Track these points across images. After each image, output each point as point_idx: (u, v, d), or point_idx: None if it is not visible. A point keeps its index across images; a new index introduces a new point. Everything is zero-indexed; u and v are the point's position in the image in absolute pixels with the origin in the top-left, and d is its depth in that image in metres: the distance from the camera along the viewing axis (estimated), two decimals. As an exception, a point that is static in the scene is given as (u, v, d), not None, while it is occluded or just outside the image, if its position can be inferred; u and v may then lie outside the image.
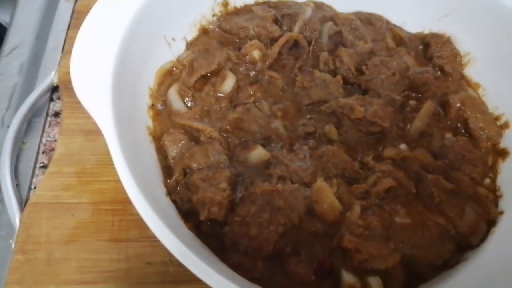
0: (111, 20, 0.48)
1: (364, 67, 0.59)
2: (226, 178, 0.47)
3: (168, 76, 0.57)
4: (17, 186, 0.55)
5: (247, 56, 0.58)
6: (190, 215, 0.48)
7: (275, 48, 0.59)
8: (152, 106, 0.55)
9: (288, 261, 0.45)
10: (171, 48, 0.59)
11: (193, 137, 0.53)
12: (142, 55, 0.53)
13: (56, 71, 0.62)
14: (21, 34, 0.71)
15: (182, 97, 0.55)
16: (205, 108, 0.55)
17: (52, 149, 0.59)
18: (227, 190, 0.47)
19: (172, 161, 0.51)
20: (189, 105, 0.55)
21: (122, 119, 0.45)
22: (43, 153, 0.59)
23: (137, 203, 0.39)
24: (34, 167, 0.58)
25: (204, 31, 0.62)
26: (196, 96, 0.55)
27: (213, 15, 0.63)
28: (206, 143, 0.51)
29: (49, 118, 0.62)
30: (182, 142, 0.51)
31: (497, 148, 0.56)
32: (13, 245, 0.50)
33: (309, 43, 0.61)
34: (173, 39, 0.59)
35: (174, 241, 0.38)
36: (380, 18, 0.66)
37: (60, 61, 0.64)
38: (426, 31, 0.65)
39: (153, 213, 0.38)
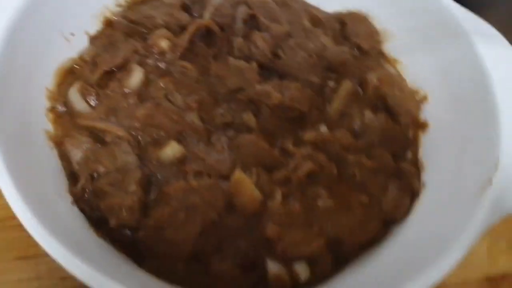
0: None
1: (280, 51, 0.57)
2: (136, 180, 0.44)
3: (69, 75, 0.52)
4: None
5: (155, 47, 0.54)
6: (101, 222, 0.44)
7: (185, 37, 0.55)
8: (52, 109, 0.50)
9: (210, 260, 0.42)
10: (70, 43, 0.54)
11: (99, 138, 0.48)
12: (32, 55, 0.48)
13: None
14: None
15: (85, 96, 0.50)
16: (111, 106, 0.50)
17: None
18: (138, 192, 0.43)
19: (76, 166, 0.46)
20: (93, 104, 0.50)
21: (8, 126, 0.40)
22: None
23: (27, 223, 0.35)
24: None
25: (108, 23, 0.57)
26: (100, 94, 0.51)
27: (117, 5, 0.59)
28: (112, 144, 0.47)
29: None
30: (86, 145, 0.47)
31: (417, 121, 0.56)
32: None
33: (222, 29, 0.58)
34: (72, 34, 0.54)
35: (70, 259, 0.34)
36: (296, 0, 0.64)
37: None
38: (344, 10, 0.64)
39: (45, 233, 0.35)
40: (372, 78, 0.56)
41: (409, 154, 0.54)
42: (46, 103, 0.49)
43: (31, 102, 0.47)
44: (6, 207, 0.46)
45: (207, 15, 0.58)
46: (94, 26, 0.56)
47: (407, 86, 0.59)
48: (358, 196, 0.47)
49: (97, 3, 0.56)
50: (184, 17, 0.57)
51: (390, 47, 0.62)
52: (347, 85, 0.55)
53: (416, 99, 0.57)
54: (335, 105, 0.54)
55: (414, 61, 0.59)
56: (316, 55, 0.57)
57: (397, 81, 0.58)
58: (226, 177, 0.46)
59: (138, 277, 0.40)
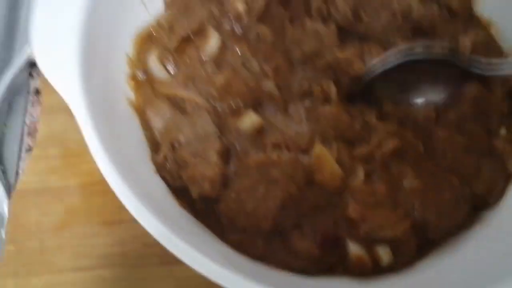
0: None
1: (362, 12, 0.52)
2: (216, 151, 0.44)
3: (148, 41, 0.52)
4: (3, 172, 0.53)
5: (231, 10, 0.52)
6: (183, 192, 0.44)
7: (261, 1, 0.52)
8: (133, 76, 0.50)
9: (290, 236, 0.42)
10: (147, 8, 0.53)
11: (179, 107, 0.48)
12: (113, 22, 0.48)
13: None
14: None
15: (164, 64, 0.50)
16: (189, 74, 0.49)
17: (37, 130, 0.55)
18: (219, 164, 0.43)
19: (158, 135, 0.47)
20: (171, 71, 0.50)
21: (95, 93, 0.41)
22: (28, 135, 0.56)
23: (115, 187, 0.36)
24: (20, 151, 0.55)
25: None
26: (179, 61, 0.50)
27: None
28: (193, 113, 0.47)
29: (30, 97, 0.58)
30: (167, 114, 0.47)
31: None
32: (3, 235, 0.48)
33: None
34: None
35: (157, 226, 0.35)
36: None
37: None
38: None
39: (133, 197, 0.35)
40: (465, 42, 0.51)
41: (503, 130, 0.49)
42: (127, 70, 0.49)
43: (114, 70, 0.47)
44: (91, 172, 0.48)
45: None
46: (170, -11, 0.54)
47: (503, 52, 0.53)
48: (448, 177, 0.44)
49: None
50: (260, -24, 0.54)
51: (483, 8, 0.55)
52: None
53: None
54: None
55: (509, 23, 0.53)
56: (402, 16, 0.52)
57: (492, 47, 0.52)
58: (306, 150, 0.45)
59: (220, 249, 0.41)
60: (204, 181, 0.42)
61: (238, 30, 0.52)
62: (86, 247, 0.47)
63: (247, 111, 0.47)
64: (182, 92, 0.48)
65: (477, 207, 0.45)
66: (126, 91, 0.48)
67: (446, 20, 0.54)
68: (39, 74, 0.58)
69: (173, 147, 0.46)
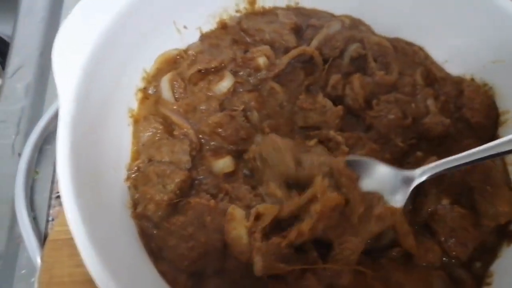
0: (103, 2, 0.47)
1: (374, 101, 0.53)
2: (178, 181, 0.46)
3: (169, 64, 0.56)
4: (34, 219, 0.54)
5: (252, 62, 0.54)
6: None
7: (284, 60, 0.55)
8: (143, 89, 0.54)
9: (207, 282, 0.43)
10: (181, 35, 0.57)
11: (169, 129, 0.51)
12: (140, 36, 0.52)
13: None
14: (24, 51, 0.69)
15: (173, 87, 0.53)
16: (192, 104, 0.52)
17: None
18: (172, 193, 0.45)
19: (141, 146, 0.50)
20: (177, 96, 0.53)
21: (90, 96, 0.44)
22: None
23: (64, 195, 0.38)
24: (50, 198, 0.57)
25: (222, 25, 0.59)
26: (188, 90, 0.53)
27: (237, 11, 0.60)
28: (177, 138, 0.50)
29: None
30: (156, 131, 0.50)
31: (505, 229, 0.47)
32: (36, 285, 0.49)
33: (326, 61, 0.56)
34: (185, 27, 0.57)
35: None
36: (418, 50, 0.58)
37: None
38: (468, 76, 0.56)
39: (75, 208, 0.37)
40: None
41: (478, 265, 0.46)
42: (140, 84, 0.53)
43: (126, 78, 0.51)
44: None
45: (315, 42, 0.56)
46: (208, 25, 0.59)
47: (509, 185, 0.50)
48: None
49: (217, 5, 0.59)
50: (291, 39, 0.57)
51: (506, 132, 0.52)
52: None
53: None
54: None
55: None
56: (413, 118, 0.52)
57: (496, 176, 0.49)
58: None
59: (150, 276, 0.43)
60: (150, 202, 0.45)
61: (253, 80, 0.55)
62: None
63: (226, 155, 0.49)
64: (177, 118, 0.51)
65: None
66: (131, 102, 0.52)
67: (460, 132, 0.52)
68: None
69: (149, 161, 0.48)
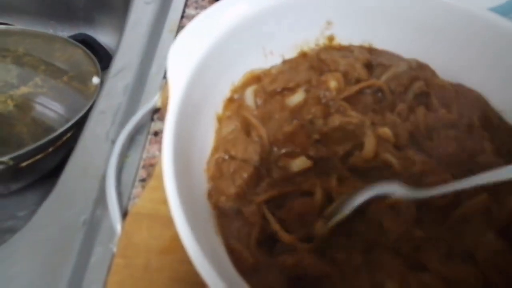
0: (214, 23, 0.59)
1: (435, 135, 0.58)
2: (246, 176, 0.53)
3: (256, 79, 0.65)
4: (119, 194, 0.62)
5: (324, 84, 0.62)
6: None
7: (354, 87, 0.62)
8: (230, 98, 0.63)
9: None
10: (266, 59, 0.67)
11: (247, 130, 0.59)
12: (234, 56, 0.61)
13: (160, 95, 0.70)
14: (127, 58, 0.80)
15: (256, 97, 0.63)
16: (269, 112, 0.61)
17: (151, 165, 0.67)
18: (239, 187, 0.52)
19: (221, 140, 0.58)
20: (258, 103, 0.62)
21: (191, 97, 0.53)
22: (142, 167, 0.66)
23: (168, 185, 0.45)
24: (134, 180, 0.65)
25: (303, 54, 0.69)
26: (267, 100, 0.62)
27: (316, 45, 0.69)
28: (251, 139, 0.57)
29: (149, 137, 0.71)
30: (236, 128, 0.58)
31: None
32: (114, 249, 0.57)
33: (392, 94, 0.63)
34: (271, 53, 0.67)
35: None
36: (478, 96, 0.63)
37: (163, 86, 0.72)
38: None
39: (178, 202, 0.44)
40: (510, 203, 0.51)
41: None
42: (228, 94, 0.63)
43: (218, 87, 0.61)
44: None
45: (384, 78, 0.64)
46: (290, 53, 0.69)
47: None
48: None
49: (300, 37, 0.68)
50: (363, 72, 0.64)
51: None
52: (482, 197, 0.51)
53: None
54: (457, 213, 0.51)
55: None
56: (469, 155, 0.56)
57: None
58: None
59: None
60: (221, 195, 0.52)
61: (324, 100, 0.62)
62: (184, 272, 0.54)
63: (301, 156, 0.56)
64: (255, 121, 0.59)
65: None
66: (218, 107, 0.61)
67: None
68: (160, 119, 0.70)
69: (225, 154, 0.56)
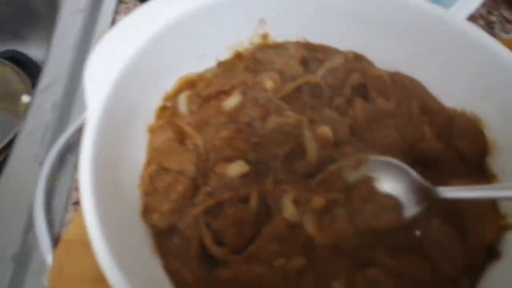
0: (138, 29, 0.55)
1: (374, 125, 0.57)
2: (181, 190, 0.50)
3: (190, 85, 0.62)
4: (49, 222, 0.57)
5: (260, 84, 0.60)
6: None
7: (291, 86, 0.60)
8: (162, 107, 0.59)
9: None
10: (200, 62, 0.64)
11: (180, 139, 0.56)
12: (163, 63, 0.58)
13: None
14: (55, 73, 0.75)
15: (190, 103, 0.59)
16: (204, 118, 0.57)
17: None
18: (174, 201, 0.49)
19: (153, 151, 0.54)
20: (193, 110, 0.59)
21: (115, 111, 0.49)
22: (75, 189, 0.61)
23: (85, 203, 0.41)
24: (66, 204, 0.61)
25: (237, 55, 0.66)
26: (202, 105, 0.59)
27: (250, 44, 0.67)
28: (186, 148, 0.54)
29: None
30: (168, 138, 0.55)
31: (492, 249, 0.49)
32: (45, 282, 0.52)
33: (329, 89, 0.61)
34: (204, 55, 0.64)
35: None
36: (415, 83, 0.63)
37: None
38: (459, 108, 0.60)
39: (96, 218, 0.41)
40: (454, 185, 0.50)
41: (465, 282, 0.48)
42: (160, 102, 0.59)
43: (147, 98, 0.57)
44: None
45: (320, 73, 0.62)
46: (225, 55, 0.66)
47: (494, 207, 0.52)
48: None
49: (233, 38, 0.65)
50: (298, 70, 0.62)
51: (494, 161, 0.56)
52: None
53: (500, 225, 0.50)
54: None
55: None
56: (410, 143, 0.56)
57: (484, 200, 0.51)
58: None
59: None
60: (155, 212, 0.49)
61: (261, 100, 0.59)
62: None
63: (238, 160, 0.53)
64: (189, 129, 0.56)
65: None
66: (149, 118, 0.58)
67: (453, 162, 0.55)
68: None
69: (158, 168, 0.53)
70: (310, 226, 0.47)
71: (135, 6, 0.88)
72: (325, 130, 0.55)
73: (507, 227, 0.50)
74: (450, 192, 0.47)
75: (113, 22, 0.85)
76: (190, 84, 0.62)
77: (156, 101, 0.59)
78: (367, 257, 0.48)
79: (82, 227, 0.54)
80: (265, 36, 0.67)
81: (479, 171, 0.55)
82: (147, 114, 0.58)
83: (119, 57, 0.52)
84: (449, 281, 0.47)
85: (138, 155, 0.55)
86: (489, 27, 0.90)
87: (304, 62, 0.64)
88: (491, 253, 0.49)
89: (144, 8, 0.58)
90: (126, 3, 0.89)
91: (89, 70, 0.51)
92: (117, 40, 0.55)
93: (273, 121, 0.55)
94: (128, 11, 0.87)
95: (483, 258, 0.49)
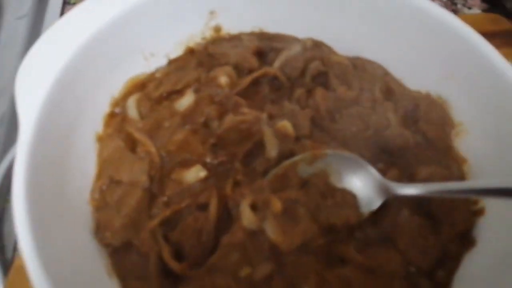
0: (73, 31, 0.49)
1: (337, 115, 0.54)
2: (134, 202, 0.46)
3: (139, 87, 0.57)
4: (1, 248, 0.53)
5: (215, 80, 0.56)
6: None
7: (247, 80, 0.56)
8: (110, 113, 0.55)
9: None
10: (148, 62, 0.59)
11: (131, 147, 0.52)
12: (108, 65, 0.53)
13: None
14: (1, 83, 0.69)
15: (140, 106, 0.55)
16: (157, 121, 0.53)
17: None
18: (127, 217, 0.45)
19: (102, 163, 0.50)
20: (143, 115, 0.55)
21: (53, 123, 0.45)
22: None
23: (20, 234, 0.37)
24: (19, 226, 0.56)
25: (189, 51, 0.62)
26: (153, 109, 0.55)
27: (203, 38, 0.63)
28: (138, 157, 0.50)
29: None
30: (118, 147, 0.51)
31: (465, 237, 0.47)
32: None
33: (289, 79, 0.58)
34: (152, 55, 0.59)
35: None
36: (377, 67, 0.60)
37: None
38: (424, 91, 0.58)
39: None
40: (423, 172, 0.50)
41: (441, 273, 0.46)
42: (107, 109, 0.55)
43: (93, 104, 0.52)
44: None
45: (276, 64, 0.59)
46: (176, 52, 0.61)
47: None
48: None
49: (183, 33, 0.61)
50: (254, 61, 0.59)
51: (461, 143, 0.54)
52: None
53: (471, 211, 0.48)
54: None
55: (483, 166, 0.51)
56: (375, 131, 0.53)
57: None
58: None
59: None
60: (106, 229, 0.45)
61: (216, 98, 0.55)
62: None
63: (196, 165, 0.49)
64: (140, 136, 0.52)
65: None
66: (96, 126, 0.53)
67: (420, 147, 0.53)
68: None
69: (109, 181, 0.48)
70: (272, 232, 0.44)
71: (82, 6, 0.82)
72: (285, 125, 0.51)
73: (479, 212, 0.48)
74: (408, 189, 0.46)
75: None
76: (139, 86, 0.57)
77: (103, 107, 0.55)
78: (337, 255, 0.45)
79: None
80: (217, 29, 0.63)
81: (448, 156, 0.53)
82: (95, 122, 0.53)
83: (53, 63, 0.47)
84: (424, 274, 0.45)
85: (87, 168, 0.51)
86: (452, 3, 0.88)
87: (260, 53, 0.61)
88: (465, 241, 0.47)
89: (78, 8, 0.53)
90: (73, 3, 0.83)
91: (20, 81, 0.46)
92: (51, 44, 0.49)
93: (230, 119, 0.51)
94: (75, 12, 0.82)
95: (457, 247, 0.47)
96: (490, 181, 0.44)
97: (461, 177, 0.51)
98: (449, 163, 0.52)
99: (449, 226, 0.47)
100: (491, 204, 0.48)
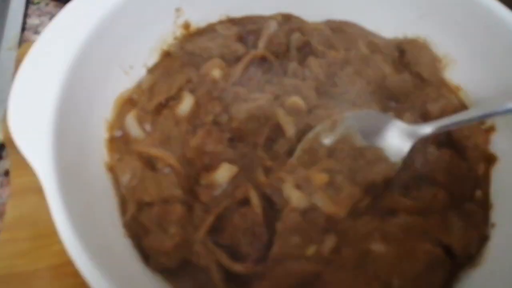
0: (53, 57, 0.45)
1: (337, 78, 0.55)
2: (176, 219, 0.44)
3: (128, 104, 0.54)
4: None
5: (207, 76, 0.54)
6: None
7: (239, 67, 0.55)
8: (110, 138, 0.51)
9: None
10: (129, 76, 0.55)
11: (150, 165, 0.49)
12: (92, 89, 0.49)
13: (1, 128, 0.56)
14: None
15: (141, 123, 0.51)
16: (165, 133, 0.50)
17: (0, 214, 0.53)
18: (177, 235, 0.43)
19: (124, 190, 0.47)
20: (148, 130, 0.51)
21: (66, 160, 0.41)
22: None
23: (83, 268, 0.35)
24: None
25: (166, 54, 0.59)
26: (155, 121, 0.52)
27: (175, 38, 0.60)
28: (161, 172, 0.47)
29: None
30: (135, 170, 0.47)
31: (487, 155, 0.51)
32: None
33: (277, 57, 0.57)
34: (131, 67, 0.55)
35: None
36: (352, 25, 0.62)
37: (3, 118, 0.57)
38: (402, 36, 0.61)
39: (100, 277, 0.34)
40: (435, 109, 0.52)
41: (479, 193, 0.49)
42: (105, 134, 0.51)
43: (91, 133, 0.49)
44: (62, 253, 0.45)
45: (261, 45, 0.58)
46: (152, 58, 0.58)
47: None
48: (418, 245, 0.43)
49: (155, 37, 0.58)
50: (239, 47, 0.57)
51: (452, 74, 0.57)
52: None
53: (483, 129, 0.52)
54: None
55: (477, 87, 0.54)
56: (376, 83, 0.55)
57: (460, 111, 0.52)
58: None
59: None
60: (159, 254, 0.43)
61: (214, 93, 0.53)
62: None
63: (221, 164, 0.48)
64: (154, 150, 0.49)
65: (454, 271, 0.44)
66: (102, 154, 0.49)
67: (418, 87, 0.56)
68: (9, 155, 0.56)
69: (139, 207, 0.45)
70: (324, 204, 0.44)
71: (47, 6, 0.75)
72: (295, 100, 0.51)
73: (490, 130, 0.52)
74: (431, 127, 0.48)
75: (24, 26, 0.72)
76: (129, 102, 0.53)
77: (100, 134, 0.50)
78: (387, 208, 0.46)
79: (2, 259, 0.46)
80: (187, 25, 0.60)
81: (444, 88, 0.56)
82: (99, 151, 0.49)
83: (44, 99, 0.42)
84: (467, 199, 0.48)
85: (107, 202, 0.46)
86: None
87: (240, 39, 0.59)
88: (489, 158, 0.51)
89: (51, 28, 0.48)
90: (37, 3, 0.76)
91: (14, 120, 0.41)
92: (36, 71, 0.45)
93: (243, 109, 0.50)
94: (40, 12, 0.74)
95: (484, 166, 0.50)
96: (496, 103, 0.47)
97: (463, 104, 0.55)
98: (446, 94, 0.55)
99: (472, 149, 0.50)
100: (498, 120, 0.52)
